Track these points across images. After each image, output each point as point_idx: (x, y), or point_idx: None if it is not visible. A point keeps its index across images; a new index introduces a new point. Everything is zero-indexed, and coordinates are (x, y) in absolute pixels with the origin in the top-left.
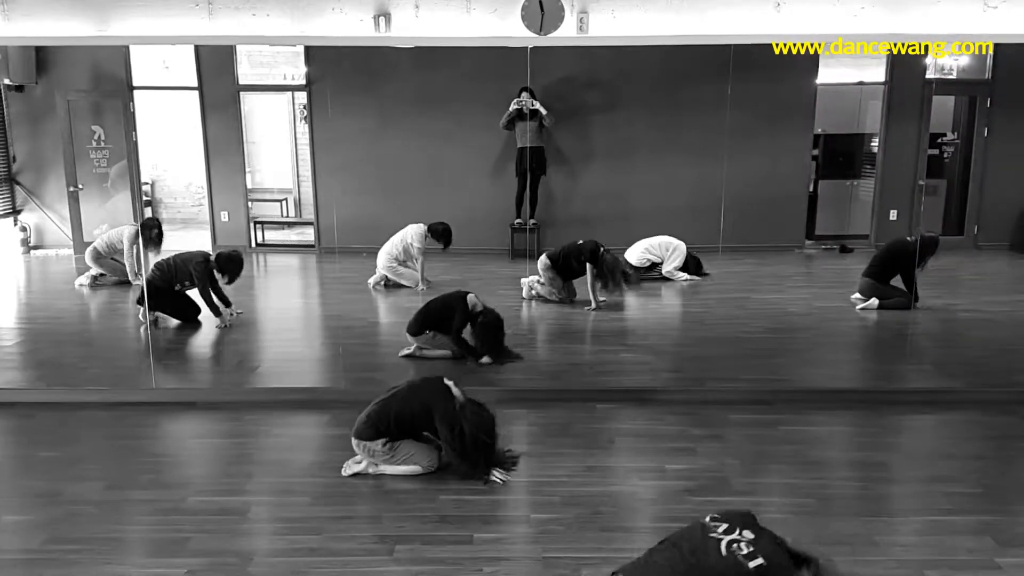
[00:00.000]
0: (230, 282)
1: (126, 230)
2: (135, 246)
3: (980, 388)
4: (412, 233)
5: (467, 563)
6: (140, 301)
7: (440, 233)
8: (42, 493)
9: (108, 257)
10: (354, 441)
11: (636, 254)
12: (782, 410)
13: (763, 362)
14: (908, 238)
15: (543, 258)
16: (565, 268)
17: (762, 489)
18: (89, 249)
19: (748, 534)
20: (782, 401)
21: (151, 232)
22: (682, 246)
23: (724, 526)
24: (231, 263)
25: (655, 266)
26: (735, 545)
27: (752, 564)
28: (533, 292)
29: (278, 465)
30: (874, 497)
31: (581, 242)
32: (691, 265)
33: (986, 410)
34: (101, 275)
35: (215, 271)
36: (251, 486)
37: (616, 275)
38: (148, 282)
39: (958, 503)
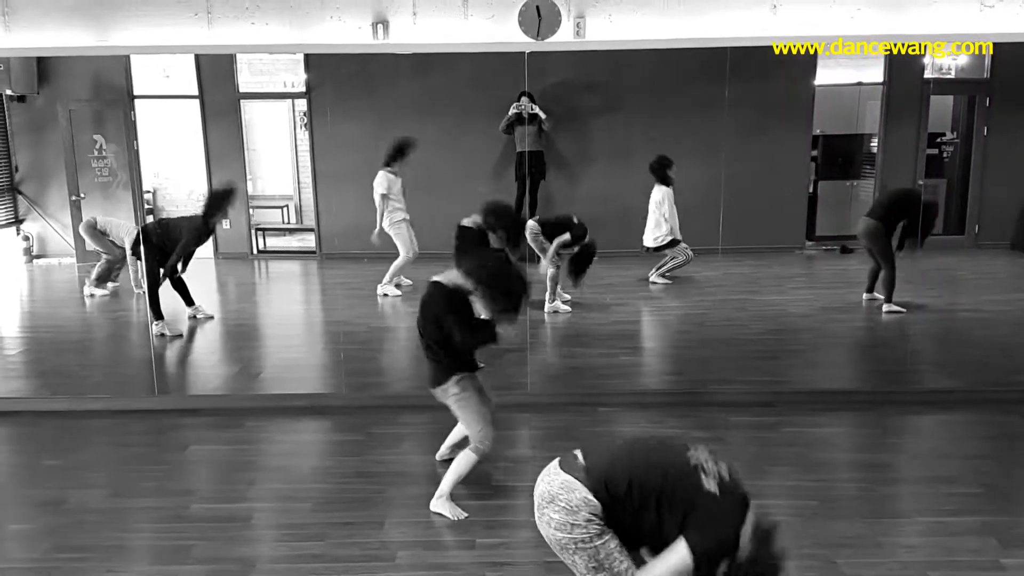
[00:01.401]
0: (222, 216)
1: (127, 239)
2: (136, 256)
3: (982, 388)
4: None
5: (470, 568)
6: (157, 316)
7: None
8: (46, 501)
9: (104, 235)
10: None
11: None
12: (784, 412)
13: (764, 364)
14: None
15: (533, 224)
16: (554, 234)
17: (765, 491)
18: (86, 221)
19: (724, 470)
20: (784, 403)
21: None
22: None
23: (707, 454)
24: (220, 197)
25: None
26: (704, 466)
27: (707, 487)
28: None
29: (281, 471)
30: (877, 498)
31: (577, 221)
32: None
33: (988, 410)
34: (102, 282)
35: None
36: (254, 493)
37: (586, 268)
38: (146, 234)
39: (961, 504)
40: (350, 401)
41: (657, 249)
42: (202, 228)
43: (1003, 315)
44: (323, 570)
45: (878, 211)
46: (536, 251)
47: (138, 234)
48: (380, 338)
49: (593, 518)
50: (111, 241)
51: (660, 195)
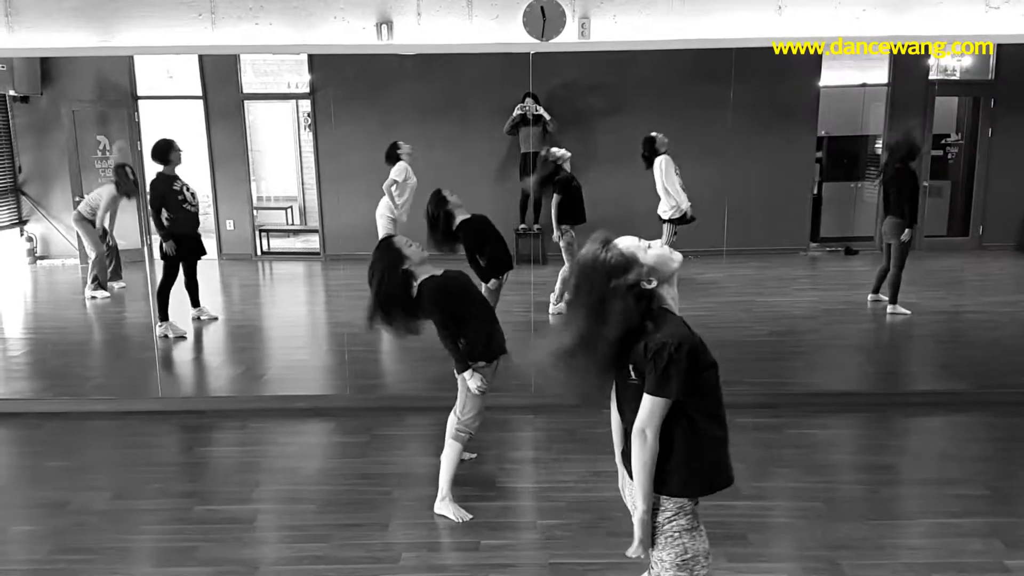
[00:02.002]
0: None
1: (106, 188)
2: (111, 208)
3: (986, 389)
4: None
5: (474, 569)
6: (163, 317)
7: None
8: (49, 503)
9: (90, 220)
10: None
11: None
12: (788, 413)
13: (769, 365)
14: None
15: (564, 227)
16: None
17: (769, 493)
18: (74, 212)
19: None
20: (788, 404)
21: (126, 178)
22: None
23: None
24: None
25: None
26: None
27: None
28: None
29: (285, 473)
30: (881, 500)
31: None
32: None
33: (992, 412)
34: (98, 283)
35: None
36: (258, 494)
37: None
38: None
39: (965, 505)
40: (354, 403)
41: (670, 221)
42: (159, 180)
43: (1008, 316)
44: (327, 572)
45: (894, 204)
46: (567, 254)
47: (120, 179)
48: (384, 340)
49: (679, 507)
50: (93, 224)
51: (656, 168)
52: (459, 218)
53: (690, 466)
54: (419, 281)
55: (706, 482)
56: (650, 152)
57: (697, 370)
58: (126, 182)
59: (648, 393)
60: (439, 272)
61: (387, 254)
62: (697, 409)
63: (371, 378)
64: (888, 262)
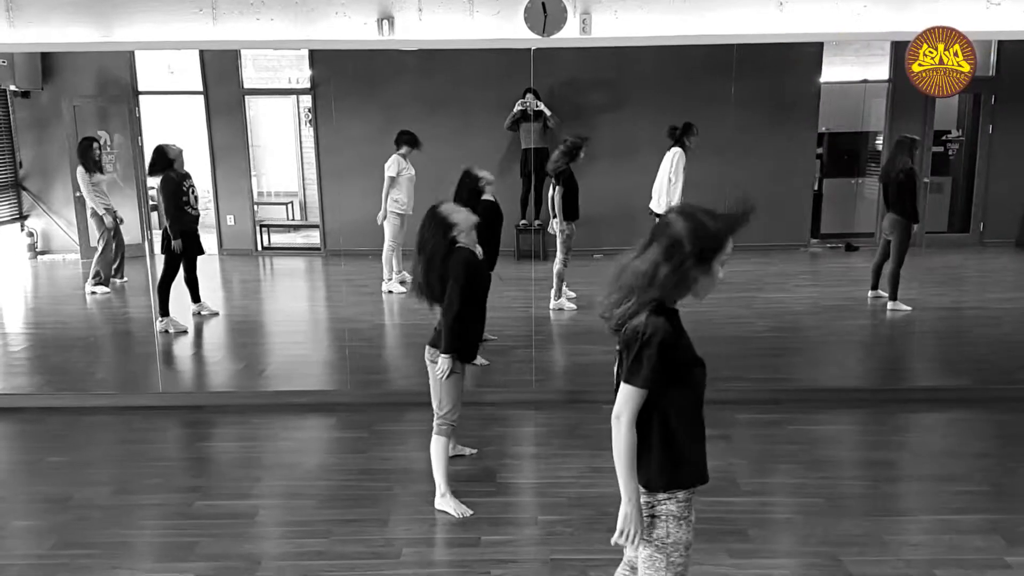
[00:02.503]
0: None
1: (78, 173)
2: (89, 187)
3: (987, 386)
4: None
5: (475, 565)
6: (164, 312)
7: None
8: (51, 498)
9: (98, 214)
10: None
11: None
12: (789, 409)
13: (770, 361)
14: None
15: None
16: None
17: (770, 489)
18: (88, 215)
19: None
20: (789, 400)
21: (89, 150)
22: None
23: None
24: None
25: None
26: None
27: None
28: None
29: (285, 468)
30: (883, 496)
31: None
32: None
33: (993, 408)
34: (99, 278)
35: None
36: (259, 489)
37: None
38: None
39: (967, 502)
40: (355, 398)
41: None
42: (170, 178)
43: (1008, 313)
44: (328, 567)
45: (895, 203)
46: (563, 247)
47: (82, 157)
48: (385, 335)
49: (671, 494)
50: (101, 219)
51: (670, 158)
52: (484, 196)
53: (666, 461)
54: (458, 244)
55: (675, 479)
56: (678, 138)
57: (672, 365)
58: (87, 155)
59: (623, 380)
60: (479, 252)
61: (433, 221)
62: (673, 405)
63: (371, 373)
64: (882, 256)
